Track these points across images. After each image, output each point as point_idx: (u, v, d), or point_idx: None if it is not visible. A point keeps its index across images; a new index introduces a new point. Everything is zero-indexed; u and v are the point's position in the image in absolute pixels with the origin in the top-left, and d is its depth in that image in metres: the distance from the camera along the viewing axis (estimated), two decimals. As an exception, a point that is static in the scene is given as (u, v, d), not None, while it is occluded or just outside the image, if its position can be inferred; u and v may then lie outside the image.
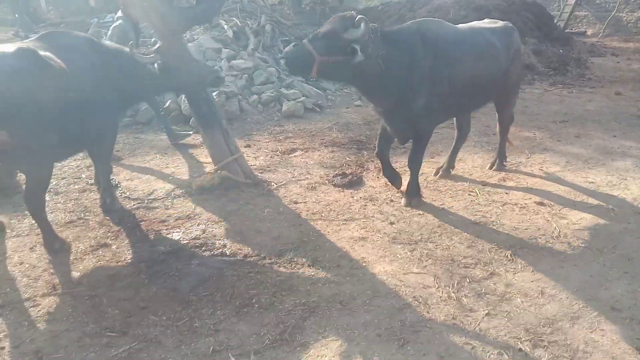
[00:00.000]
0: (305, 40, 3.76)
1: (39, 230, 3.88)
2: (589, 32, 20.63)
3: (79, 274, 3.54)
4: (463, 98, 4.46)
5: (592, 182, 5.00)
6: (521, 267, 3.54)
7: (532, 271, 3.50)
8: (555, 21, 17.27)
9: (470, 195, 4.80)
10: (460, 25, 4.69)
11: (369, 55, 3.72)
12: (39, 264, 3.67)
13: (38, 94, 3.35)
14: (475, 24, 4.91)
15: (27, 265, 3.65)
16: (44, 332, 2.92)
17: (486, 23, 4.93)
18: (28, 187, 3.71)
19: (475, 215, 4.37)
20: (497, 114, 5.34)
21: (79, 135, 3.97)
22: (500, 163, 5.41)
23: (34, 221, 4.00)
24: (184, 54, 4.71)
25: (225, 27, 9.73)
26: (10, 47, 3.44)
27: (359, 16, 3.70)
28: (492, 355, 2.70)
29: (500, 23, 4.92)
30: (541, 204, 4.53)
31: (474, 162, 5.73)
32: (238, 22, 10.22)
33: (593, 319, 2.99)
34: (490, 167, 5.43)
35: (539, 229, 4.08)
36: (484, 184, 5.07)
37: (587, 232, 4.02)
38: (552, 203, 4.54)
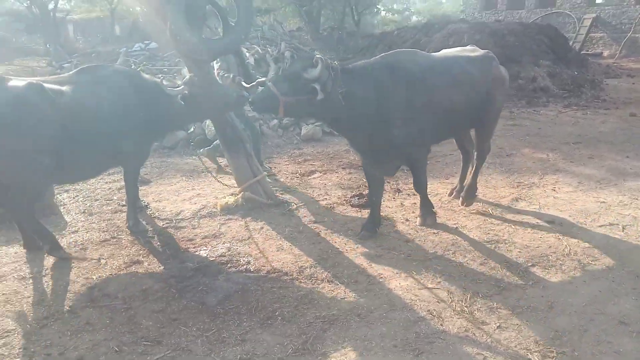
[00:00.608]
0: (270, 83, 3.89)
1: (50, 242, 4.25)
2: (605, 53, 20.71)
3: (114, 288, 3.81)
4: (445, 124, 4.50)
5: (604, 202, 5.13)
6: (532, 283, 3.70)
7: (543, 287, 3.65)
8: (571, 43, 17.46)
9: (483, 215, 4.98)
10: (436, 54, 4.79)
11: (329, 93, 3.80)
12: (78, 279, 3.95)
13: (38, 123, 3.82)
14: (452, 51, 4.99)
15: (66, 280, 3.93)
16: (85, 341, 3.17)
17: (464, 51, 4.97)
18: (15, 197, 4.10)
19: (488, 234, 4.54)
20: (476, 143, 5.16)
21: (96, 157, 4.41)
22: (469, 196, 5.14)
23: (70, 240, 4.33)
24: (211, 81, 5.05)
25: (247, 54, 10.16)
26: (21, 82, 3.93)
27: (316, 56, 3.83)
28: (502, 365, 2.86)
29: (479, 52, 4.93)
30: (552, 222, 4.69)
31: (487, 182, 5.91)
32: (259, 49, 10.66)
33: (601, 332, 3.12)
34: (453, 195, 5.40)
35: (549, 247, 4.23)
36: (497, 204, 5.24)
37: (597, 250, 4.15)
38: (563, 222, 4.69)
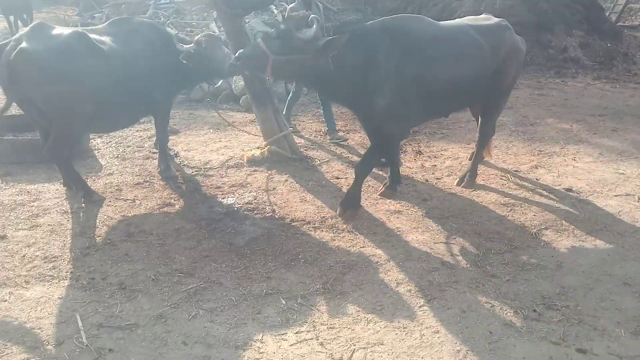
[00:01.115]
0: (260, 39, 3.74)
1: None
2: (643, 26, 19.91)
3: (149, 226, 4.09)
4: (441, 99, 4.22)
5: (623, 174, 5.20)
6: (543, 244, 3.87)
7: (553, 247, 3.82)
8: (607, 14, 16.86)
9: (502, 179, 5.10)
10: (443, 23, 4.44)
11: (321, 56, 3.65)
12: (115, 216, 4.24)
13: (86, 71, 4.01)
14: (462, 20, 4.67)
15: (105, 216, 4.22)
16: (125, 270, 3.48)
17: (476, 20, 4.59)
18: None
19: (505, 197, 4.68)
20: (479, 123, 4.91)
21: (132, 107, 4.61)
22: (470, 179, 4.87)
23: (106, 181, 4.63)
24: (242, 36, 5.17)
25: (275, 11, 10.16)
26: (66, 30, 4.13)
27: (311, 16, 3.68)
28: (508, 313, 3.07)
29: (493, 20, 4.55)
30: (569, 190, 4.80)
31: (508, 149, 5.99)
32: (287, 7, 10.62)
33: (605, 291, 3.30)
34: (459, 184, 4.90)
35: (564, 212, 4.37)
36: (517, 170, 5.35)
37: (610, 217, 4.28)
38: (580, 190, 4.80)
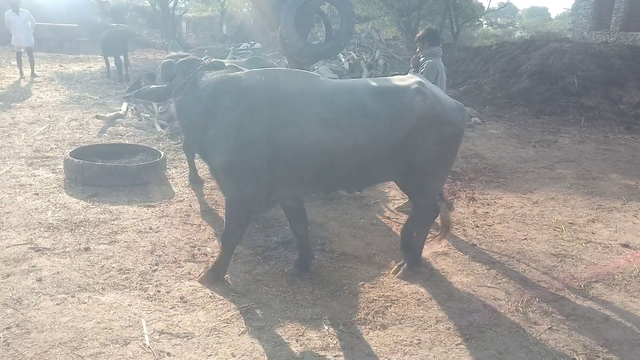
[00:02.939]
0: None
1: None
2: None
3: (211, 249, 4.48)
4: (317, 170, 3.57)
5: (688, 233, 5.01)
6: (591, 297, 3.83)
7: (602, 301, 3.77)
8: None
9: (555, 230, 5.08)
10: (336, 81, 4.04)
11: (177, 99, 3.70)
12: (182, 238, 4.68)
13: None
14: (364, 80, 4.09)
15: (173, 238, 4.67)
16: (187, 286, 3.84)
17: (385, 80, 3.91)
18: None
19: (557, 248, 4.67)
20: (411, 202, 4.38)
21: None
22: (409, 268, 4.07)
23: (177, 207, 5.12)
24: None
25: (343, 59, 10.76)
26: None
27: (174, 62, 3.76)
28: (546, 359, 3.09)
29: (405, 82, 3.72)
30: (626, 246, 4.70)
31: (565, 201, 5.94)
32: (355, 55, 11.22)
33: (653, 348, 3.23)
34: (394, 272, 4.10)
35: (617, 267, 4.30)
36: (572, 222, 5.30)
37: (668, 276, 4.16)
38: (638, 247, 4.68)
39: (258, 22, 15.54)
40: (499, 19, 40.85)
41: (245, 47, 13.85)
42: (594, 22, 25.60)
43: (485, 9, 26.68)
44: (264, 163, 3.45)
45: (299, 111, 3.46)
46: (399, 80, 3.81)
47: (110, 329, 3.26)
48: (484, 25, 34.22)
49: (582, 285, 3.99)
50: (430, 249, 4.58)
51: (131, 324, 3.32)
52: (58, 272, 3.85)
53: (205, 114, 3.52)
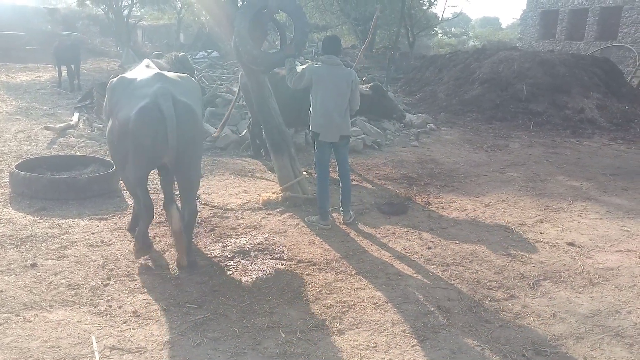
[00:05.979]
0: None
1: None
2: (665, 90, 20.01)
3: (165, 261, 4.38)
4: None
5: (627, 231, 5.29)
6: (540, 294, 3.98)
7: (550, 298, 3.93)
8: (629, 78, 17.14)
9: (506, 231, 5.26)
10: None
11: None
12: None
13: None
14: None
15: (126, 250, 4.54)
16: (140, 299, 3.74)
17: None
18: None
19: (508, 248, 4.83)
20: None
21: None
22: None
23: (130, 219, 5.01)
24: (264, 89, 5.64)
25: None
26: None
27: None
28: (497, 357, 3.18)
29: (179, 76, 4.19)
30: (572, 244, 4.92)
31: (515, 203, 6.16)
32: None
33: (596, 340, 3.38)
34: None
35: (564, 265, 4.48)
36: (521, 223, 5.50)
37: (610, 271, 4.37)
38: (583, 245, 4.91)
39: (215, 30, 15.43)
40: (453, 28, 42.18)
41: (202, 56, 13.71)
42: (541, 31, 26.84)
43: (440, 19, 27.44)
44: None
45: None
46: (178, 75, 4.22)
47: (58, 347, 3.13)
48: (439, 35, 35.21)
49: (531, 284, 4.14)
50: (387, 253, 4.65)
51: (80, 341, 3.20)
52: (1, 291, 3.68)
53: None
